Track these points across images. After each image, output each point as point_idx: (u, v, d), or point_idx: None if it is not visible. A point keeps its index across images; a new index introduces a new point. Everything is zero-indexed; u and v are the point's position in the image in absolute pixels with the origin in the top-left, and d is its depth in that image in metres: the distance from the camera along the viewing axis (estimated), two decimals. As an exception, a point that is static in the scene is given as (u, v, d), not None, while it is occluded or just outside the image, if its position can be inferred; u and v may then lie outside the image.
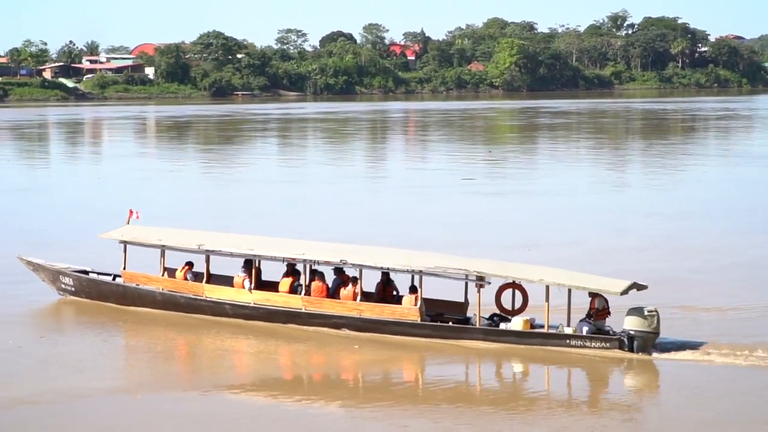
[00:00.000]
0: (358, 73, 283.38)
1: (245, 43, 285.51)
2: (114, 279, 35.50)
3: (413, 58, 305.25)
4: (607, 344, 28.39)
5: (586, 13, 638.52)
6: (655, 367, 28.13)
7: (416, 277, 30.50)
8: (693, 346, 29.11)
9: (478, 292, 29.56)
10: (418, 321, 29.96)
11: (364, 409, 25.25)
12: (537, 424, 23.84)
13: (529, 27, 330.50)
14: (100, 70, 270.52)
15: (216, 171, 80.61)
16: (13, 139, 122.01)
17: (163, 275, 34.13)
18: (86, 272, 35.92)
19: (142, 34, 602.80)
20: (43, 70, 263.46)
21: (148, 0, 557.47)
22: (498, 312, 30.69)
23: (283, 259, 32.30)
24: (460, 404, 25.34)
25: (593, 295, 29.23)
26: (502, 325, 29.91)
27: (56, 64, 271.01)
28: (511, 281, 30.47)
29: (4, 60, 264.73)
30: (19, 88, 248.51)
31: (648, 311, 28.27)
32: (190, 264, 34.15)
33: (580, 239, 47.63)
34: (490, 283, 30.00)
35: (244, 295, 32.42)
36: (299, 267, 32.39)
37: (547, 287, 29.04)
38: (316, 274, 31.85)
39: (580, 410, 25.18)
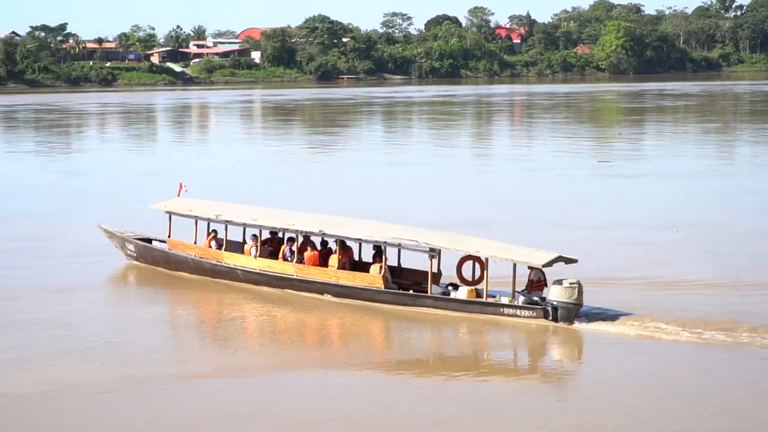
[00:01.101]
0: (463, 57, 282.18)
1: (351, 26, 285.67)
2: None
3: (519, 41, 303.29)
4: (534, 313, 30.36)
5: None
6: (575, 334, 29.58)
7: (387, 248, 33.00)
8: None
9: (430, 261, 31.83)
10: (382, 288, 32.36)
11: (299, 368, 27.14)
12: (463, 381, 25.91)
13: (636, 9, 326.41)
14: (207, 54, 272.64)
15: (327, 154, 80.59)
16: (140, 123, 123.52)
17: (205, 244, 36.86)
18: (149, 240, 38.74)
19: (248, 18, 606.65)
20: (151, 54, 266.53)
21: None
22: (455, 282, 32.82)
23: (278, 229, 34.99)
24: (403, 366, 27.42)
25: (530, 268, 31.07)
26: (453, 294, 32.18)
27: (164, 49, 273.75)
28: (469, 254, 32.33)
29: (112, 45, 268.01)
30: (128, 72, 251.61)
31: (569, 283, 29.84)
32: (214, 232, 36.78)
33: (726, 220, 47.09)
34: (439, 252, 31.97)
35: (251, 261, 35.05)
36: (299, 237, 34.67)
37: (487, 259, 31.27)
38: (309, 244, 34.43)
39: (502, 370, 27.35)
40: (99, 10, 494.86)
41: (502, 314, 30.52)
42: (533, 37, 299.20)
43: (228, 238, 36.38)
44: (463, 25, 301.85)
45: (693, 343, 28.16)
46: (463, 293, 31.64)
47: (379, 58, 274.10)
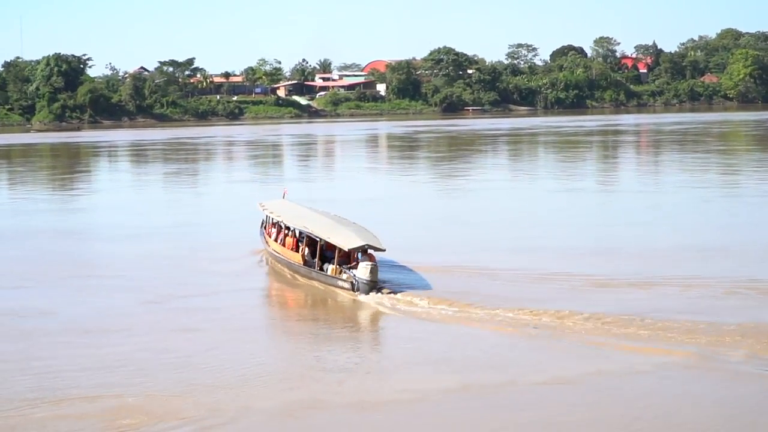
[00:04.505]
0: (588, 87, 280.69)
1: (476, 58, 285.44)
2: None
3: (645, 70, 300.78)
4: (347, 286, 38.18)
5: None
6: (364, 304, 36.67)
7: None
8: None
9: (319, 244, 40.38)
10: (301, 264, 41.15)
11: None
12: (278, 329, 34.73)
13: (765, 37, 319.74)
14: (333, 87, 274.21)
15: (470, 180, 79.22)
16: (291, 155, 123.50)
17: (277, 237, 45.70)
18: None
19: (373, 51, 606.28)
20: (277, 88, 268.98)
21: (379, 18, 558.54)
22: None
23: (278, 221, 44.44)
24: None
25: (362, 252, 38.70)
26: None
27: (290, 83, 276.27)
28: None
29: (239, 79, 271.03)
30: (254, 106, 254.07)
31: (366, 265, 37.33)
32: (276, 224, 45.46)
33: None
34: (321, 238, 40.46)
35: (274, 245, 44.38)
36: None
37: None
38: (289, 231, 43.57)
39: (314, 324, 34.93)
40: (226, 45, 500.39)
41: (337, 285, 38.65)
42: (660, 66, 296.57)
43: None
44: (589, 55, 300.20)
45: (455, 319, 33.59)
46: (329, 270, 39.49)
47: (504, 89, 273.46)
